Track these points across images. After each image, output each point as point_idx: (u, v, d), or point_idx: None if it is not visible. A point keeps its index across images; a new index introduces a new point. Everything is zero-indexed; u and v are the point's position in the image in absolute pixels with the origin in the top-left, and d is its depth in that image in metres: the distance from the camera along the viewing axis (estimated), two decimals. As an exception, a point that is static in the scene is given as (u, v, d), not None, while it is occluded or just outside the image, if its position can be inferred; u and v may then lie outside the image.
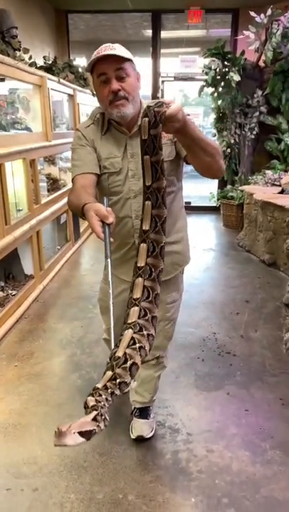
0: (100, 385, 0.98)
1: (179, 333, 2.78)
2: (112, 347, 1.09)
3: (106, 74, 1.40)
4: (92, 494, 1.63)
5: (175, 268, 1.74)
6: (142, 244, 1.20)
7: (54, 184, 4.41)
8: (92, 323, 2.99)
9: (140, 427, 1.91)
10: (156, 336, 1.71)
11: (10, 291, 3.22)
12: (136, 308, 1.13)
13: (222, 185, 6.11)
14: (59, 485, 1.67)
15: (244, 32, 4.95)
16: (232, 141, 5.52)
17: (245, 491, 1.64)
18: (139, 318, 1.12)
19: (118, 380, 0.99)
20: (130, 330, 1.09)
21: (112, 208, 1.50)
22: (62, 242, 4.57)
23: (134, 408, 1.97)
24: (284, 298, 3.26)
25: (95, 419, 0.89)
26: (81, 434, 0.84)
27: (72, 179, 1.51)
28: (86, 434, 0.85)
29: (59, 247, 4.42)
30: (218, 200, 5.86)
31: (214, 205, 6.05)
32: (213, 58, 5.14)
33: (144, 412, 1.95)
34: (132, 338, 1.07)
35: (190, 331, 2.88)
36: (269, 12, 4.70)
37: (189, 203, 6.87)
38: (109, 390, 0.98)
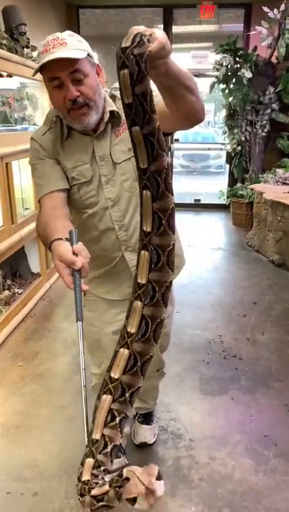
0: (87, 477, 0.83)
1: (184, 335, 2.77)
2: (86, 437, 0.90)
3: (59, 78, 1.15)
4: (92, 500, 1.62)
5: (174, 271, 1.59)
6: (142, 252, 0.91)
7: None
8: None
9: (143, 434, 1.89)
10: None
11: (16, 290, 3.23)
12: (125, 353, 0.92)
13: (232, 182, 6.05)
14: (59, 490, 1.66)
15: (257, 27, 4.86)
16: (243, 138, 5.44)
17: (247, 501, 1.62)
18: (125, 371, 0.91)
19: (102, 468, 0.86)
20: (109, 397, 0.91)
21: (90, 222, 1.34)
22: (70, 239, 4.55)
23: (137, 413, 1.96)
24: (292, 301, 3.22)
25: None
26: (157, 478, 0.76)
27: (39, 201, 1.29)
28: (159, 475, 0.77)
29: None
30: (227, 198, 5.79)
31: (224, 202, 5.98)
32: (225, 54, 5.06)
33: (147, 418, 1.95)
34: (110, 410, 0.90)
35: (196, 333, 2.85)
36: (282, 7, 4.60)
37: (199, 200, 6.83)
38: (100, 476, 0.85)
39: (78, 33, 6.37)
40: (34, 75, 1.20)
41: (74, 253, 1.01)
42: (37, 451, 1.86)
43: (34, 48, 3.32)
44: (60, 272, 1.00)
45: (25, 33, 3.11)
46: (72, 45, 1.15)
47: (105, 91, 1.32)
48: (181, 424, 2.02)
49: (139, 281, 0.92)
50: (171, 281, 0.94)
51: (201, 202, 6.79)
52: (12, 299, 3.06)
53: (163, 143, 0.86)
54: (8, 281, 3.29)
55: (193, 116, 1.13)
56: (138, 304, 0.92)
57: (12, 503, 1.61)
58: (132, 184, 1.31)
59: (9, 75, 3.18)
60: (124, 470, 0.78)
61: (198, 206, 6.64)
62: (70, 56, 1.12)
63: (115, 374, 0.92)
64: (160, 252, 0.91)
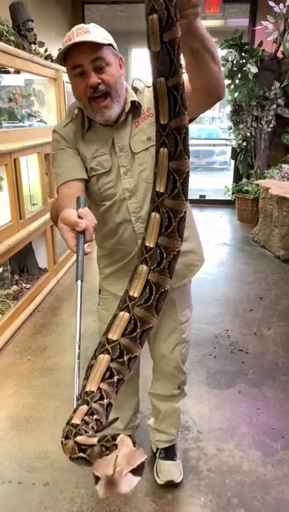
0: (78, 421, 0.74)
1: (191, 330, 2.78)
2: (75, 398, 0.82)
3: (81, 66, 1.16)
4: (103, 490, 1.64)
5: (191, 270, 1.50)
6: (153, 214, 0.87)
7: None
8: (105, 318, 3.00)
9: (168, 470, 1.66)
10: (172, 362, 1.58)
11: (24, 285, 3.26)
12: (126, 316, 0.86)
13: (237, 178, 6.05)
14: (70, 480, 1.69)
15: (262, 22, 4.85)
16: (248, 134, 5.44)
17: (255, 492, 1.64)
18: (124, 333, 0.85)
19: (95, 417, 0.77)
20: (107, 356, 0.84)
21: (107, 214, 1.35)
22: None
23: (158, 449, 1.75)
24: (298, 295, 3.23)
25: (134, 443, 0.67)
26: (134, 471, 0.61)
27: (57, 190, 1.28)
28: (139, 470, 0.62)
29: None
30: (233, 194, 5.80)
31: (229, 198, 5.99)
32: (230, 49, 5.05)
33: (170, 452, 1.72)
34: (109, 368, 0.83)
35: (202, 328, 2.87)
36: (288, 2, 4.59)
37: (204, 196, 6.84)
38: (90, 425, 0.76)
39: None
40: (57, 61, 1.21)
41: (79, 217, 0.96)
42: (47, 442, 1.88)
43: (41, 44, 3.34)
44: (64, 235, 0.95)
45: (32, 29, 3.12)
46: (96, 34, 1.16)
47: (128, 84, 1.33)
48: (189, 417, 2.04)
49: (146, 244, 0.87)
50: (179, 251, 0.89)
51: (206, 198, 6.80)
52: (20, 294, 3.09)
53: (186, 101, 0.83)
54: (16, 277, 3.32)
55: (214, 92, 1.13)
56: (143, 267, 0.88)
57: (24, 493, 1.64)
58: (150, 175, 1.28)
59: (16, 72, 3.20)
60: (120, 436, 0.68)
61: (203, 202, 6.65)
62: (92, 40, 1.13)
63: (113, 336, 0.86)
64: (172, 216, 0.86)
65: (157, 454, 1.75)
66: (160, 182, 0.85)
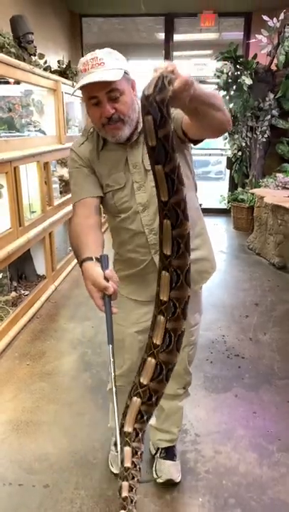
0: (129, 464, 0.99)
1: (199, 333, 2.82)
2: (116, 440, 1.05)
3: (97, 97, 1.23)
4: (102, 491, 1.67)
5: (203, 277, 1.56)
6: (163, 272, 1.01)
7: (66, 186, 4.47)
8: (103, 323, 3.01)
9: (168, 469, 1.69)
10: (180, 363, 1.61)
11: (22, 291, 3.29)
12: (152, 362, 1.03)
13: (232, 187, 6.13)
14: (69, 481, 1.71)
15: (256, 36, 4.98)
16: (243, 144, 5.54)
17: (252, 492, 1.67)
18: (152, 378, 1.04)
19: (139, 453, 1.02)
20: (139, 400, 1.04)
21: (123, 224, 1.41)
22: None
23: (158, 448, 1.78)
24: (293, 302, 3.28)
25: None
26: None
27: (73, 206, 1.39)
28: None
29: (71, 248, 4.48)
30: (228, 202, 5.87)
31: (225, 207, 6.06)
32: (226, 62, 5.17)
33: (170, 453, 1.75)
34: (140, 411, 1.04)
35: (199, 333, 2.89)
36: (282, 16, 4.72)
37: (200, 205, 6.89)
38: (138, 467, 1.00)
39: (81, 41, 6.51)
40: (73, 94, 1.30)
41: (105, 278, 1.11)
42: (47, 445, 1.91)
43: (41, 56, 3.42)
44: (92, 295, 1.12)
45: (32, 41, 3.20)
46: (110, 65, 1.21)
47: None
48: (186, 420, 2.07)
49: (161, 298, 1.02)
50: (189, 296, 1.02)
51: (202, 207, 6.85)
52: (19, 301, 3.12)
53: (182, 178, 0.95)
54: (15, 283, 3.35)
55: (219, 127, 1.20)
56: (161, 318, 1.03)
57: (24, 495, 1.66)
58: None
59: (16, 82, 3.27)
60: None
61: (199, 211, 6.71)
62: (107, 79, 1.19)
63: (144, 380, 1.04)
64: (179, 272, 1.00)
65: (157, 454, 1.77)
66: (166, 247, 0.99)
